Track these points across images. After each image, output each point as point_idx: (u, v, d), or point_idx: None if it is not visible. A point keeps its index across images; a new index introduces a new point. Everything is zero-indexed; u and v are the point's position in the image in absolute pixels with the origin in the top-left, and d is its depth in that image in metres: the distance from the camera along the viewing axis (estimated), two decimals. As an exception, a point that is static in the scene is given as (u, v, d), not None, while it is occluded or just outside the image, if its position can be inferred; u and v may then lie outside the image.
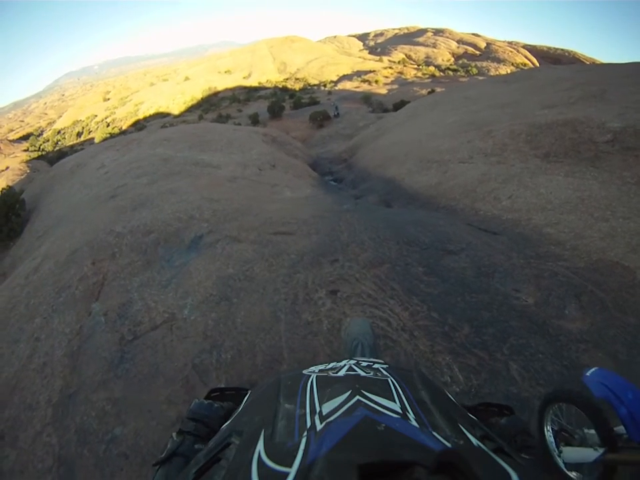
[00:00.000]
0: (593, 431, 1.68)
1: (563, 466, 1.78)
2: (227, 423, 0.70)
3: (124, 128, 55.71)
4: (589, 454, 1.64)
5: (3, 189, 11.40)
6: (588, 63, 47.21)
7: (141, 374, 2.95)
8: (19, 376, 3.26)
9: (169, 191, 6.20)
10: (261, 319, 3.27)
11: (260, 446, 0.50)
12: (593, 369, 1.79)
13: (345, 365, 0.89)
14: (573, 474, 1.76)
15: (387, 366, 0.89)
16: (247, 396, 0.83)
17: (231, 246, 4.35)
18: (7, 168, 32.99)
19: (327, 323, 3.15)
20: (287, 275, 3.78)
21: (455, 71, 56.30)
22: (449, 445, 0.49)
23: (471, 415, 0.72)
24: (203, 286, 3.76)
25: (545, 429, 1.93)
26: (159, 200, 5.76)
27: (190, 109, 56.12)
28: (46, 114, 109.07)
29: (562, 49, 69.08)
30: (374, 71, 56.66)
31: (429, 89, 35.12)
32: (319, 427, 0.52)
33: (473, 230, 4.83)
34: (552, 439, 1.89)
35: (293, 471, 0.42)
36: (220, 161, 8.65)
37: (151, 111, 63.04)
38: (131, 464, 2.42)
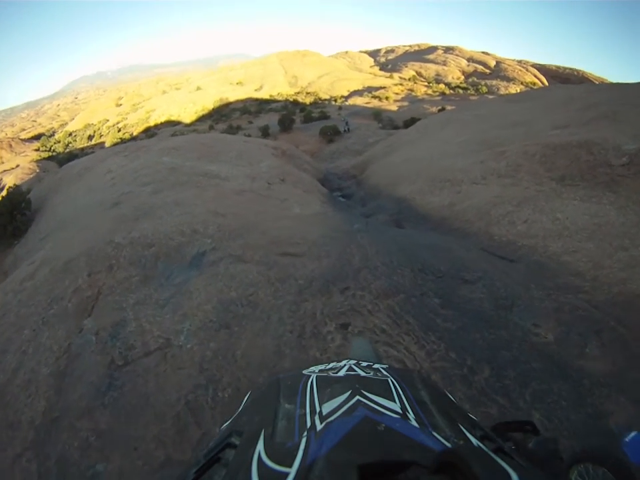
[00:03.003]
0: None
1: None
2: (227, 423, 0.71)
3: (135, 134, 56.37)
4: None
5: (9, 187, 11.34)
6: (597, 82, 47.17)
7: (129, 405, 2.76)
8: (3, 390, 3.14)
9: (173, 201, 6.05)
10: (264, 353, 3.04)
11: (260, 446, 0.50)
12: (633, 434, 1.63)
13: (345, 365, 0.90)
14: None
15: (387, 366, 0.90)
16: (247, 396, 0.83)
17: (235, 266, 4.16)
18: (17, 166, 33.50)
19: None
20: (293, 302, 3.55)
21: (465, 89, 56.71)
22: (448, 445, 0.49)
23: (471, 415, 0.69)
24: (202, 309, 3.56)
25: None
26: (162, 211, 5.61)
27: (201, 119, 56.70)
28: (59, 115, 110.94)
29: (570, 68, 69.26)
30: (384, 87, 57.17)
31: (439, 107, 35.31)
32: (319, 427, 0.52)
33: (489, 256, 4.64)
34: None
35: (293, 471, 0.41)
36: (228, 172, 8.52)
37: (162, 119, 63.80)
38: (111, 508, 2.21)
